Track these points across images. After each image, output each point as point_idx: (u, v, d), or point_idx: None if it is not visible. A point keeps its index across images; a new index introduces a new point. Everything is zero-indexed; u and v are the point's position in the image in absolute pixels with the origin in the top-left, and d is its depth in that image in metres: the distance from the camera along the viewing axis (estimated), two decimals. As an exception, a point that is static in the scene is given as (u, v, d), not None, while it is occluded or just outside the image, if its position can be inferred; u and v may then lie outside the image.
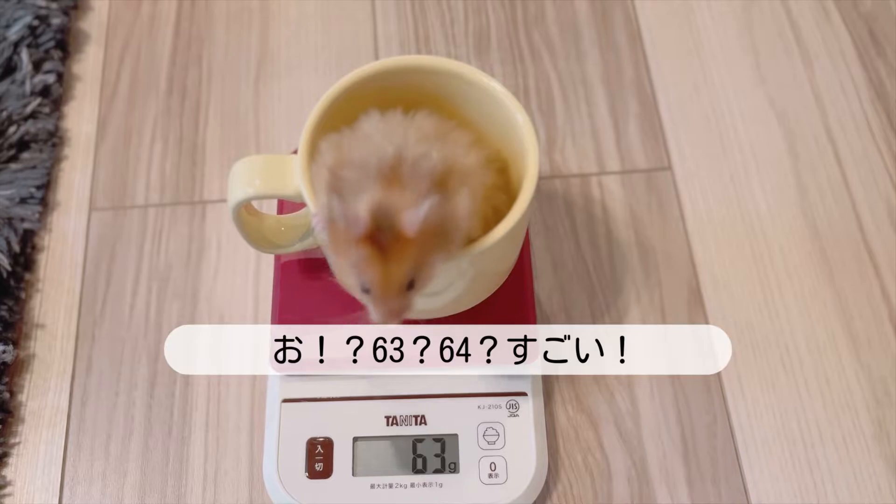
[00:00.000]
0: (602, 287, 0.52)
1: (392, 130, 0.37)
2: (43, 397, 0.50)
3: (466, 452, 0.45)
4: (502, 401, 0.46)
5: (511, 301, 0.47)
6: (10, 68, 0.58)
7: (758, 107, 0.58)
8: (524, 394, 0.46)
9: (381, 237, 0.33)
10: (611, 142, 0.57)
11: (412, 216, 0.33)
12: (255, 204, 0.44)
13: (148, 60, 0.61)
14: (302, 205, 0.43)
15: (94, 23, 0.62)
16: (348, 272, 0.35)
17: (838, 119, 0.57)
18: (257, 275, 0.53)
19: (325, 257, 0.45)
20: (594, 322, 0.51)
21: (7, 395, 0.49)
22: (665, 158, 0.57)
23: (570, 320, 0.51)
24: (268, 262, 0.53)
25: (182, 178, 0.56)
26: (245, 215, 0.43)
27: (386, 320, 0.35)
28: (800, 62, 0.59)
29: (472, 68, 0.41)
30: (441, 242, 0.35)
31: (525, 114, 0.40)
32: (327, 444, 0.45)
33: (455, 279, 0.41)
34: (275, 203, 0.51)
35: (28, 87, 0.57)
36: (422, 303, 0.43)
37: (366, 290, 0.35)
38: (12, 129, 0.56)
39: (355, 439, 0.45)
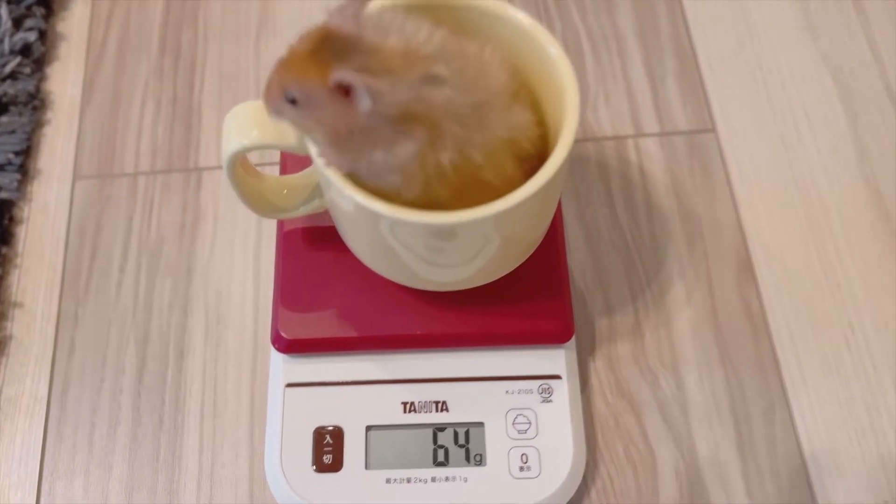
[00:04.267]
0: (642, 259, 0.47)
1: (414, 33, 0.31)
2: (19, 383, 0.45)
3: (494, 443, 0.40)
4: (534, 384, 0.41)
5: (542, 274, 0.42)
6: (-13, 25, 0.53)
7: (809, 62, 0.52)
8: (558, 377, 0.41)
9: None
10: (647, 101, 0.52)
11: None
12: (255, 165, 0.39)
13: (139, 19, 0.55)
14: (306, 162, 0.38)
15: (80, -21, 0.57)
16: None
17: (899, 76, 0.52)
18: (258, 248, 0.48)
19: (333, 222, 0.40)
20: (634, 298, 0.46)
21: (-20, 380, 0.44)
22: (708, 119, 0.51)
23: (606, 296, 0.46)
24: (270, 235, 0.48)
25: (176, 143, 0.51)
26: (242, 174, 0.37)
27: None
28: (853, 12, 0.54)
29: (499, 2, 0.36)
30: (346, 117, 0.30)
31: (559, 47, 0.35)
32: (337, 434, 0.40)
33: (481, 244, 0.35)
34: (277, 166, 0.46)
35: (7, 46, 0.52)
36: (443, 273, 0.38)
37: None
38: (-11, 90, 0.51)
39: (368, 428, 0.40)
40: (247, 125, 0.34)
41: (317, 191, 0.39)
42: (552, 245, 0.42)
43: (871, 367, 0.44)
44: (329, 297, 0.41)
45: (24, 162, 0.50)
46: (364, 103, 0.29)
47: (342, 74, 0.29)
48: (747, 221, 0.48)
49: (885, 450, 0.42)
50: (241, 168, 0.37)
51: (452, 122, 0.32)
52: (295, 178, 0.40)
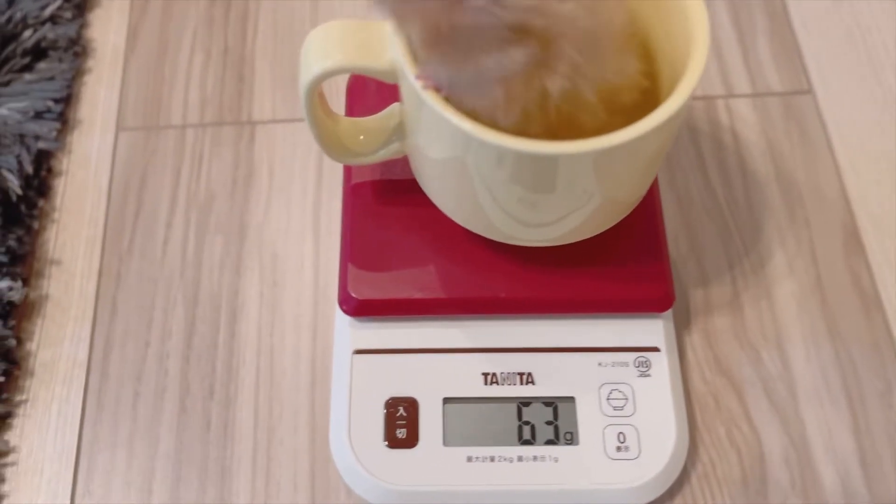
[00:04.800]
0: (738, 227, 0.43)
1: None
2: (57, 346, 0.41)
3: (587, 420, 0.36)
4: (629, 357, 0.37)
5: (638, 237, 0.38)
6: (25, -34, 0.49)
7: (912, 22, 0.48)
8: (656, 349, 0.37)
9: None
10: (737, 61, 0.48)
11: None
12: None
13: (186, -35, 0.52)
14: (374, 98, 0.34)
15: (124, -77, 0.54)
16: None
17: None
18: (317, 206, 0.44)
19: (409, 172, 0.36)
20: (731, 267, 0.42)
21: (13, 342, 0.40)
22: (804, 80, 0.47)
23: (700, 265, 0.42)
24: (330, 191, 0.44)
25: (227, 95, 0.47)
26: (318, 108, 0.33)
27: None
28: (961, -29, 0.50)
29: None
30: None
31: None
32: (411, 406, 0.36)
33: (582, 185, 0.31)
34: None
35: (47, -13, 0.48)
36: (535, 220, 0.34)
37: None
38: (27, 33, 0.47)
39: (446, 401, 0.36)
40: (331, 46, 0.30)
41: (396, 133, 0.35)
42: (649, 206, 0.38)
43: None
44: (402, 255, 0.37)
45: (63, 111, 0.46)
46: None
47: None
48: (852, 189, 0.44)
49: None
50: (319, 103, 0.33)
51: (569, 45, 0.28)
52: (372, 121, 0.36)
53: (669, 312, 0.38)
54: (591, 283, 0.37)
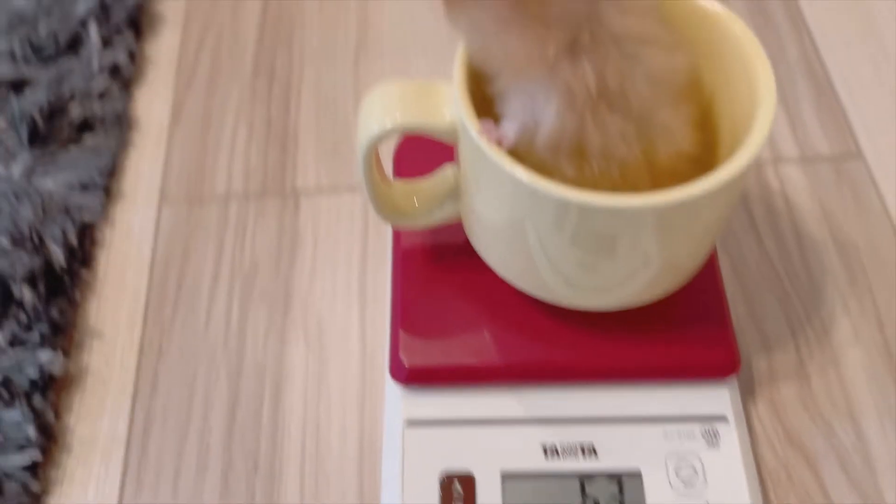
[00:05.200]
0: (797, 293, 0.41)
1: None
2: (96, 421, 0.39)
3: (655, 495, 0.34)
4: (696, 427, 0.35)
5: (699, 300, 0.37)
6: (76, 45, 0.50)
7: (958, 87, 0.48)
8: (724, 418, 0.35)
9: None
10: (783, 126, 0.47)
11: None
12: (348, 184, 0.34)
13: (230, 43, 0.53)
14: (422, 162, 0.34)
15: (170, 5, 0.55)
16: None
17: None
18: (363, 274, 0.43)
19: (462, 233, 0.35)
20: (793, 335, 0.40)
21: (52, 416, 0.39)
22: (852, 143, 0.46)
23: (761, 332, 0.40)
24: (377, 259, 0.43)
25: (271, 166, 0.47)
26: (374, 172, 0.33)
27: None
28: None
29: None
30: None
31: (742, 24, 0.31)
32: (467, 482, 0.34)
33: (643, 244, 0.30)
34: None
35: (96, 64, 0.49)
36: (596, 282, 0.33)
37: None
38: (76, 108, 0.47)
39: (504, 476, 0.34)
40: (391, 106, 0.30)
41: (451, 195, 0.35)
42: (709, 270, 0.37)
43: None
44: (455, 320, 0.36)
45: (108, 183, 0.46)
46: None
47: None
48: (912, 252, 0.42)
49: None
50: (375, 166, 0.33)
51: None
52: (426, 182, 0.35)
53: (735, 380, 0.36)
54: (653, 349, 0.35)
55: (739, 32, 0.31)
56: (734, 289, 0.42)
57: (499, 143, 0.29)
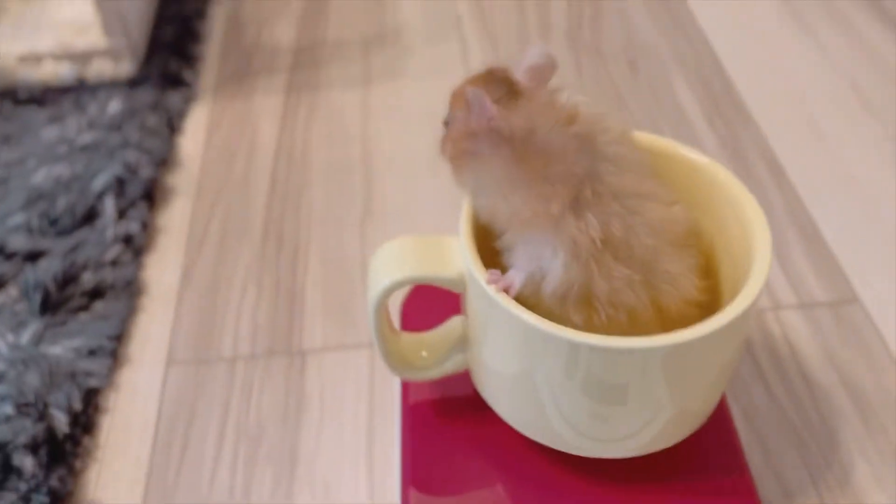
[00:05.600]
0: (814, 440, 0.41)
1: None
2: None
3: None
4: (723, 583, 0.33)
5: (713, 449, 0.36)
6: (91, 217, 0.52)
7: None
8: (752, 573, 0.33)
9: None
10: (777, 274, 0.49)
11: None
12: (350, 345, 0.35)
13: (240, 212, 0.55)
14: (429, 314, 0.34)
15: (183, 178, 0.58)
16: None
17: None
18: (370, 435, 0.42)
19: (470, 385, 0.35)
20: (814, 482, 0.39)
21: (45, 592, 0.37)
22: (847, 289, 0.47)
23: (781, 480, 0.39)
24: (384, 419, 0.43)
25: (278, 326, 0.48)
26: (384, 325, 0.33)
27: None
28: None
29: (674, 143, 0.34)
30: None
31: (728, 172, 0.33)
32: None
33: (652, 390, 0.30)
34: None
35: (110, 235, 0.51)
36: (606, 428, 0.32)
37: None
38: (87, 275, 0.48)
39: None
40: (402, 258, 0.31)
41: (459, 346, 0.35)
42: (721, 417, 0.37)
43: None
44: (467, 477, 0.35)
45: (115, 348, 0.46)
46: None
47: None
48: (922, 393, 0.42)
49: None
50: (385, 317, 0.33)
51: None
52: (434, 334, 0.36)
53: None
54: (671, 499, 0.34)
55: (725, 179, 0.33)
56: (748, 437, 0.41)
57: (506, 290, 0.29)
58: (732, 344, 0.31)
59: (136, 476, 0.41)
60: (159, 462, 0.42)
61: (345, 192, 0.55)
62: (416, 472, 0.35)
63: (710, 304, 0.33)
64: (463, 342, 0.35)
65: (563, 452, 0.34)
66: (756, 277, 0.29)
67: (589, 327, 0.30)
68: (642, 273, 0.30)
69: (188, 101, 0.63)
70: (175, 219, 0.55)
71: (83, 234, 0.51)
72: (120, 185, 0.54)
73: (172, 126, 0.60)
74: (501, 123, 0.28)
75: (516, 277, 0.29)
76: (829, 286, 0.48)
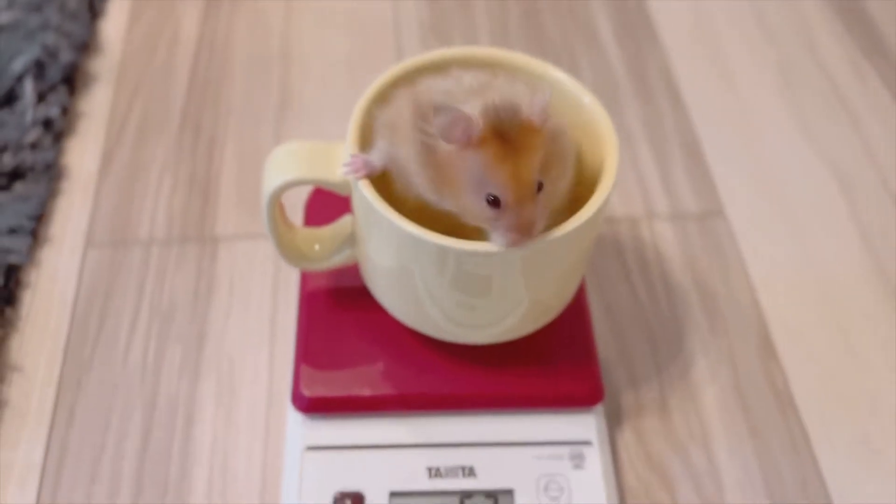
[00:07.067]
0: (663, 333, 0.47)
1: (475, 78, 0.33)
2: (12, 450, 0.42)
3: (525, 511, 0.38)
4: (564, 450, 0.39)
5: (569, 337, 0.41)
6: (11, 99, 0.54)
7: (809, 157, 0.55)
8: (589, 443, 0.40)
9: (503, 131, 0.29)
10: (657, 184, 0.53)
11: (538, 100, 0.29)
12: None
13: (160, 101, 0.57)
14: (332, 209, 0.38)
15: (105, 64, 0.59)
16: (463, 191, 0.30)
17: (893, 168, 0.54)
18: (274, 318, 0.46)
19: (359, 279, 0.39)
20: (658, 373, 0.45)
21: (-30, 445, 0.41)
22: (717, 203, 0.52)
23: (629, 369, 0.45)
24: (287, 305, 0.47)
25: (192, 214, 0.51)
26: (278, 220, 0.37)
27: (520, 235, 0.30)
28: (845, 118, 0.57)
29: (540, 62, 0.38)
30: (558, 154, 0.31)
31: (592, 96, 0.36)
32: (358, 501, 0.38)
33: (511, 284, 0.35)
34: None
35: (29, 118, 0.53)
36: (471, 318, 0.37)
37: (491, 201, 0.30)
38: (7, 157, 0.50)
39: (392, 494, 0.38)
40: (292, 161, 0.35)
41: (348, 242, 0.39)
42: (578, 311, 0.42)
43: (902, 442, 0.43)
44: (352, 355, 0.40)
45: (35, 228, 0.49)
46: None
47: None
48: (765, 300, 0.48)
49: (926, 527, 0.40)
50: (279, 213, 0.37)
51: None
52: (327, 230, 0.40)
53: (601, 408, 0.41)
54: (527, 380, 0.40)
55: (588, 101, 0.36)
56: (608, 330, 0.47)
57: (366, 168, 0.33)
58: (581, 245, 0.36)
59: (54, 349, 0.45)
60: (77, 336, 0.46)
61: (263, 88, 0.58)
62: (307, 350, 0.40)
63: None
64: (352, 238, 0.38)
65: (437, 339, 0.39)
66: (599, 194, 0.34)
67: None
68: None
69: (110, -16, 0.63)
70: (95, 105, 0.56)
71: (2, 116, 0.52)
72: (39, 68, 0.55)
73: (94, 10, 0.61)
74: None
75: (375, 156, 0.33)
76: (700, 200, 0.53)
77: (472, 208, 0.31)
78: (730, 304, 0.48)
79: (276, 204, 0.36)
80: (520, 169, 0.29)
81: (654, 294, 0.48)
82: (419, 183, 0.32)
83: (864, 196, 0.53)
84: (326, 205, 0.44)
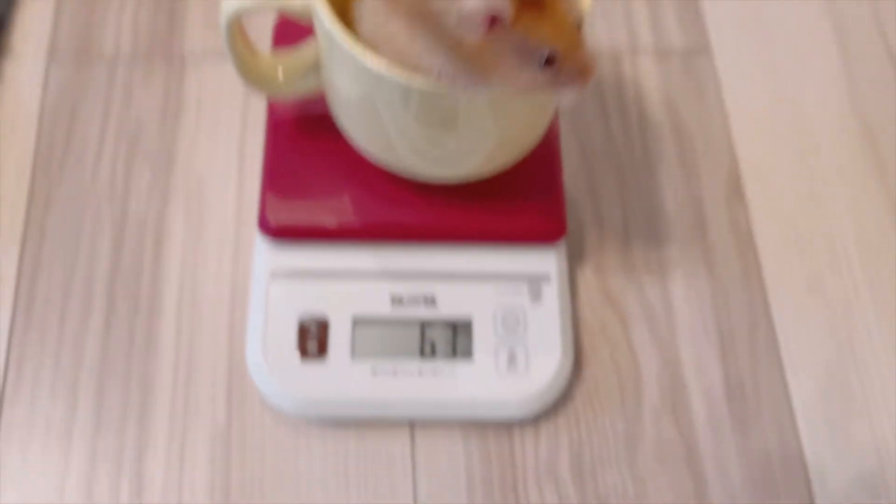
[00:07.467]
0: (633, 171, 0.47)
1: None
2: (-14, 267, 0.43)
3: (482, 339, 0.39)
4: (523, 284, 0.40)
5: (536, 175, 0.41)
6: None
7: (806, 2, 0.53)
8: (547, 277, 0.41)
9: None
10: (644, 19, 0.51)
11: None
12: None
13: None
14: (301, 35, 0.36)
15: None
16: (510, 69, 0.30)
17: (891, 13, 0.52)
18: (243, 139, 0.46)
19: (326, 109, 0.38)
20: (624, 209, 0.46)
21: (-56, 258, 0.42)
22: (704, 40, 0.51)
23: (597, 206, 0.46)
24: (256, 126, 0.46)
25: (159, 29, 0.49)
26: (239, 45, 0.36)
27: (588, 75, 0.31)
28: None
29: None
30: None
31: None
32: (322, 325, 0.39)
33: (477, 117, 0.34)
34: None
35: (-21, -84, 0.49)
36: (437, 152, 0.37)
37: (548, 61, 0.30)
38: (-41, -40, 0.48)
39: (355, 320, 0.39)
40: (249, -16, 0.33)
41: (313, 68, 0.38)
42: (548, 148, 0.42)
43: (853, 287, 0.44)
44: (318, 184, 0.40)
45: (-5, 38, 0.47)
46: None
47: None
48: (739, 142, 0.48)
49: (863, 365, 0.42)
50: (239, 37, 0.35)
51: None
52: (290, 55, 0.38)
53: (562, 245, 0.42)
54: (491, 214, 0.40)
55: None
56: (579, 167, 0.46)
57: None
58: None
59: (22, 161, 0.45)
60: (44, 151, 0.45)
61: None
62: (274, 176, 0.40)
63: None
64: (317, 65, 0.37)
65: (403, 175, 0.39)
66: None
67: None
68: None
69: None
70: None
71: (-50, -87, 0.49)
72: None
73: None
74: None
75: None
76: (687, 36, 0.51)
77: (524, 80, 0.31)
78: (704, 144, 0.48)
79: (236, 29, 0.34)
80: (560, 19, 0.30)
81: (629, 133, 0.48)
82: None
83: (858, 46, 0.51)
84: (294, 32, 0.42)
